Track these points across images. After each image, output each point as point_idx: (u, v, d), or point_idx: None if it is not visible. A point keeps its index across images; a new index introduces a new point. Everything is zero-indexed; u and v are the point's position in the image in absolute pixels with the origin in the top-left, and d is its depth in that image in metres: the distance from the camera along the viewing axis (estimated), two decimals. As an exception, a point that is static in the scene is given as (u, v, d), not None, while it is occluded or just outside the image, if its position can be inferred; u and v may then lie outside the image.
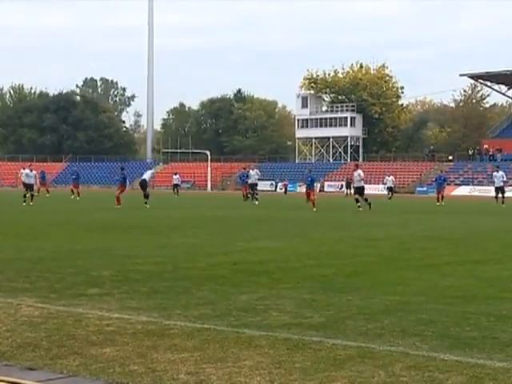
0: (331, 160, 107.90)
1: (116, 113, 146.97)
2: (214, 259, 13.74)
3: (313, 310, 8.63)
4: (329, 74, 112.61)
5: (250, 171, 48.84)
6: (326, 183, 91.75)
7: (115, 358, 6.30)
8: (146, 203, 36.93)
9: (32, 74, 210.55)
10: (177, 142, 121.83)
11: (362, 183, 36.03)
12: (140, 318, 8.01)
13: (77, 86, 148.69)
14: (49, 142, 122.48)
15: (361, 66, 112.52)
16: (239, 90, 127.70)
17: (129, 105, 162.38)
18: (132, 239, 18.06)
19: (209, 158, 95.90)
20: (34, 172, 43.76)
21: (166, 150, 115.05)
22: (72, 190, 52.53)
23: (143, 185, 38.63)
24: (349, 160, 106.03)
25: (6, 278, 11.07)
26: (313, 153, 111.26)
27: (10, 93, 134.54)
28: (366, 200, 35.06)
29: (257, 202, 44.01)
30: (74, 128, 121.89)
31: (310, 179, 38.84)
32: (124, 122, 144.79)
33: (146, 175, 39.99)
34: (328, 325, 7.77)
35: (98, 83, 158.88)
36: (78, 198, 48.43)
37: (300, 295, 9.67)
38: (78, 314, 8.28)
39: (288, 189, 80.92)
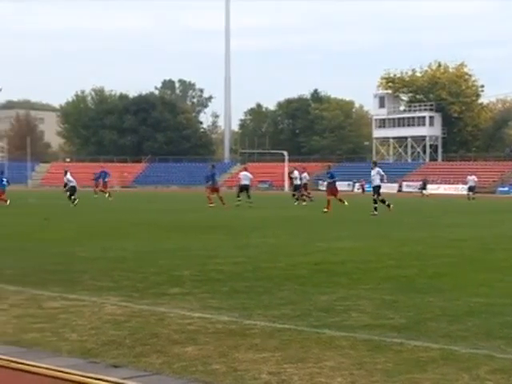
0: (409, 160, 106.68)
1: (194, 114, 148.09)
2: (294, 259, 13.72)
3: (394, 311, 8.53)
4: (406, 73, 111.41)
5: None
6: (405, 183, 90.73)
7: (197, 357, 6.34)
8: (250, 202, 38.05)
9: (112, 77, 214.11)
10: (254, 142, 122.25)
11: (378, 182, 32.82)
12: (221, 318, 8.05)
13: (155, 87, 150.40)
14: (129, 142, 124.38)
15: (439, 65, 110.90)
16: (316, 90, 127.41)
17: (206, 106, 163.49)
18: (212, 239, 18.17)
19: (286, 158, 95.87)
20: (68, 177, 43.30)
21: (243, 151, 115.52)
22: (102, 191, 52.01)
23: (246, 188, 39.58)
24: (427, 160, 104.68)
25: (90, 277, 11.27)
26: (390, 153, 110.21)
27: (91, 95, 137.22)
28: (383, 201, 32.62)
29: (304, 203, 43.18)
30: (154, 129, 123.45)
31: (329, 175, 35.88)
32: (202, 122, 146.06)
33: (246, 179, 40.31)
34: (409, 326, 7.67)
35: (176, 85, 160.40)
36: (110, 199, 47.99)
37: (380, 296, 9.57)
38: (161, 313, 8.37)
39: (365, 189, 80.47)
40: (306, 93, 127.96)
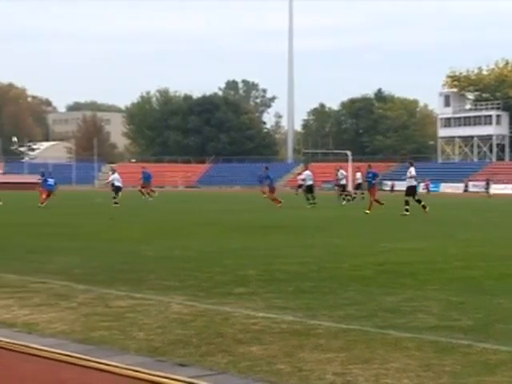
0: (475, 159, 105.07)
1: (257, 114, 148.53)
2: (358, 260, 13.64)
3: (461, 312, 8.41)
4: (472, 71, 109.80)
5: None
6: (471, 183, 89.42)
7: (262, 357, 6.35)
8: (314, 203, 37.88)
9: (177, 77, 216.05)
10: (317, 142, 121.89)
11: (414, 182, 31.51)
12: (286, 318, 8.04)
13: (219, 88, 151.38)
14: (193, 143, 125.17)
15: (506, 63, 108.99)
16: (380, 90, 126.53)
17: (269, 106, 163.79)
18: (276, 239, 18.15)
19: (349, 158, 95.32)
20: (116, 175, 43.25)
21: (306, 151, 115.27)
22: (141, 191, 50.29)
23: (311, 188, 39.50)
24: (494, 159, 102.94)
25: (156, 277, 11.37)
26: (456, 152, 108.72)
27: (156, 96, 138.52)
28: (418, 201, 31.29)
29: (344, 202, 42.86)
30: (217, 129, 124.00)
31: (370, 175, 34.62)
32: (265, 123, 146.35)
33: (310, 179, 40.20)
34: (477, 328, 7.55)
35: (240, 85, 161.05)
36: (150, 199, 47.35)
37: (447, 297, 9.44)
38: (226, 312, 8.41)
39: (430, 188, 79.53)
40: (370, 92, 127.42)
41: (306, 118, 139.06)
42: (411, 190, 31.29)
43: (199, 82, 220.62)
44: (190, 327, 7.58)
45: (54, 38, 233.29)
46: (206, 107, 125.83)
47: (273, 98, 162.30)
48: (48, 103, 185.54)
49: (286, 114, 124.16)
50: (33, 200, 40.38)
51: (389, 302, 9.05)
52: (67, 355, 6.38)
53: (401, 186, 58.35)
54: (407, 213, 29.57)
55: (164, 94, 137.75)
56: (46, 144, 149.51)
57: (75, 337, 7.18)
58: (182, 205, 40.09)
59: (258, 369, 5.96)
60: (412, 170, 31.18)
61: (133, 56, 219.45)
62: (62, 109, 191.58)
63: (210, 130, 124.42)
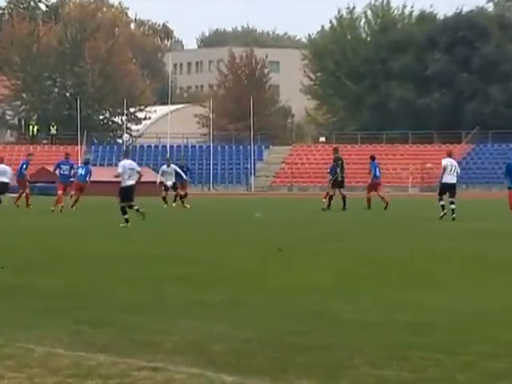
0: None
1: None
2: None
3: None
4: None
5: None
6: None
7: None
8: None
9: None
10: None
11: (455, 178, 24.48)
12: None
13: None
14: (435, 104, 69.32)
15: None
16: None
17: None
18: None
19: None
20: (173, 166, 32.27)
21: None
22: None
23: None
24: None
25: (365, 360, 6.33)
26: None
27: (366, 17, 77.14)
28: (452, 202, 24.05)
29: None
30: (482, 77, 68.30)
31: (374, 167, 30.91)
32: None
33: None
34: None
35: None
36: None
37: None
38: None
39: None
40: None
41: None
42: (451, 188, 24.17)
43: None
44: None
45: None
46: (458, 36, 69.28)
47: None
48: (166, 33, 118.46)
49: None
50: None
51: None
52: None
53: None
54: (444, 212, 23.70)
55: (381, 12, 76.45)
56: (159, 110, 77.66)
57: None
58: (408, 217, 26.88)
59: None
60: (448, 162, 24.43)
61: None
62: (190, 44, 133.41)
63: (469, 78, 68.21)
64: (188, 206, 31.00)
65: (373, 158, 31.69)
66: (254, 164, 65.78)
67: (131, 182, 20.90)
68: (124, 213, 20.61)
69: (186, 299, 9.35)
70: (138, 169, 21.80)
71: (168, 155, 48.37)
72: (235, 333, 7.46)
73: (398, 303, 9.20)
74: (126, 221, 20.36)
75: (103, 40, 75.91)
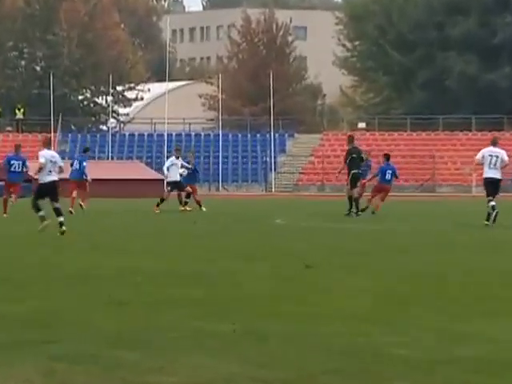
0: None
1: None
2: None
3: None
4: None
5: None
6: None
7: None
8: None
9: None
10: None
11: (499, 173, 24.57)
12: None
13: None
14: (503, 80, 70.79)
15: None
16: None
17: None
18: None
19: None
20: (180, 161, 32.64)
21: None
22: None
23: None
24: None
25: None
26: None
27: None
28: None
29: None
30: None
31: (385, 170, 31.68)
32: None
33: None
34: None
35: None
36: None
37: None
38: None
39: None
40: None
41: None
42: (494, 185, 24.78)
43: None
44: None
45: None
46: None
47: None
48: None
49: None
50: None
51: None
52: None
53: None
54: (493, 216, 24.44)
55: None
56: (153, 88, 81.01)
57: None
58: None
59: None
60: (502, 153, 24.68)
61: None
62: (193, 4, 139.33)
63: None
64: (189, 209, 31.49)
65: (387, 158, 32.25)
66: (275, 157, 66.25)
67: (53, 178, 21.43)
68: (38, 210, 21.34)
69: (187, 329, 9.58)
70: (61, 163, 22.21)
71: (179, 145, 46.73)
72: (251, 372, 7.51)
73: (457, 334, 9.22)
74: (42, 218, 21.16)
75: (83, 0, 76.04)
